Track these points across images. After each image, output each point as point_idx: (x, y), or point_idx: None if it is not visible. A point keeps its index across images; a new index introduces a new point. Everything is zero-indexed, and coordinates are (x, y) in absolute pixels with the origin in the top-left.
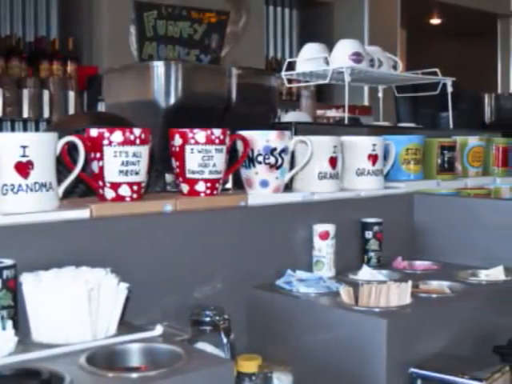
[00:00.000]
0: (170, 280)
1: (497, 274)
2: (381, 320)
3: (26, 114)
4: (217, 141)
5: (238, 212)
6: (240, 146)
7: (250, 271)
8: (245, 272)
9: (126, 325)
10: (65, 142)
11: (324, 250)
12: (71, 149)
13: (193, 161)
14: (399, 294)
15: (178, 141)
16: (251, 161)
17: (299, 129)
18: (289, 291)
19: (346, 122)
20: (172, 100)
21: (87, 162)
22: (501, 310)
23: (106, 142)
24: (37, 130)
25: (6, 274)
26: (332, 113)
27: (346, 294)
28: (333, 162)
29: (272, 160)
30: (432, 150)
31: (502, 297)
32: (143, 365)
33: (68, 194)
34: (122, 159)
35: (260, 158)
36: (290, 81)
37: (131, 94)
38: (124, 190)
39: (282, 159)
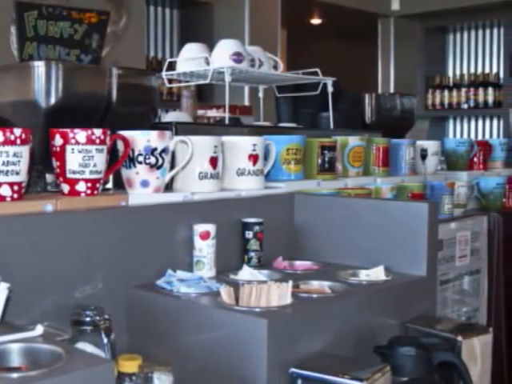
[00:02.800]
0: (51, 280)
1: (377, 273)
2: (261, 320)
3: None
4: (97, 141)
5: (119, 212)
6: (121, 145)
7: (130, 271)
8: (125, 272)
9: (6, 325)
10: None
11: (204, 250)
12: None
13: (73, 161)
14: (280, 294)
15: (58, 141)
16: (132, 161)
17: (180, 129)
18: (169, 291)
19: (227, 121)
20: (52, 100)
21: None
22: (381, 310)
23: None
24: None
25: None
26: (213, 113)
27: (226, 294)
28: (213, 161)
29: (152, 160)
30: (312, 150)
31: (382, 297)
32: (23, 365)
33: None
34: (2, 159)
35: (140, 158)
36: (170, 81)
37: (12, 94)
38: (4, 190)
39: (163, 159)
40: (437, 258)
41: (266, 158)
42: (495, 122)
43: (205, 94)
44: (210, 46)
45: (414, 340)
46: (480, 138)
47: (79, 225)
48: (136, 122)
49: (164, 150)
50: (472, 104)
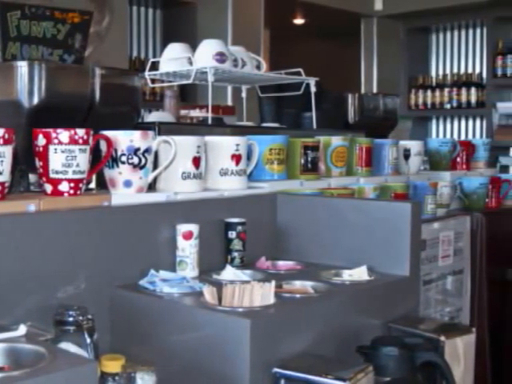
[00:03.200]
0: (34, 280)
1: (360, 273)
2: (244, 320)
3: None
4: (80, 141)
5: (102, 212)
6: (103, 145)
7: (113, 271)
8: (108, 272)
9: None
10: None
11: (187, 250)
12: None
13: (56, 161)
14: (263, 294)
15: (41, 141)
16: (115, 161)
17: (163, 129)
18: (152, 291)
19: (210, 122)
20: (35, 100)
21: None
22: (364, 310)
23: None
24: None
25: None
26: (195, 113)
27: (209, 294)
28: (196, 162)
29: (135, 160)
30: (295, 150)
31: (365, 297)
32: (6, 365)
33: None
34: None
35: (123, 158)
36: (153, 81)
37: None
38: None
39: (146, 159)
40: (420, 258)
41: (248, 158)
42: (478, 122)
43: (188, 94)
44: (193, 46)
45: (397, 340)
46: (463, 138)
47: (62, 225)
48: (119, 122)
49: (147, 150)
50: (455, 104)
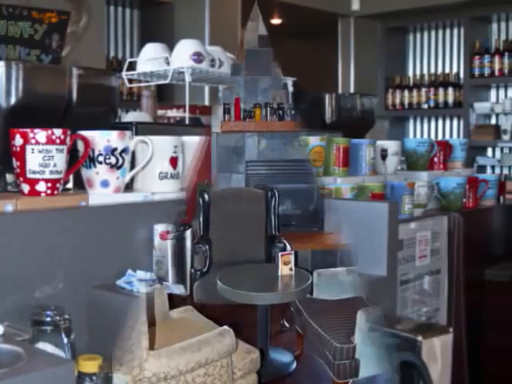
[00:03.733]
0: (11, 280)
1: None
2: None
3: None
4: (57, 141)
5: (79, 212)
6: (81, 146)
7: (90, 271)
8: (86, 272)
9: None
10: None
11: (164, 249)
12: None
13: (33, 161)
14: None
15: (18, 141)
16: (92, 161)
17: (140, 129)
18: (129, 291)
19: (187, 121)
20: (13, 100)
21: None
22: None
23: None
24: None
25: None
26: (173, 113)
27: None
28: (173, 162)
29: (113, 160)
30: None
31: None
32: None
33: None
34: None
35: (101, 158)
36: (130, 81)
37: None
38: None
39: (123, 159)
40: (397, 258)
41: None
42: (455, 122)
43: (165, 93)
44: (171, 46)
45: None
46: (440, 138)
47: (39, 225)
48: (96, 122)
49: (124, 150)
50: (432, 104)
